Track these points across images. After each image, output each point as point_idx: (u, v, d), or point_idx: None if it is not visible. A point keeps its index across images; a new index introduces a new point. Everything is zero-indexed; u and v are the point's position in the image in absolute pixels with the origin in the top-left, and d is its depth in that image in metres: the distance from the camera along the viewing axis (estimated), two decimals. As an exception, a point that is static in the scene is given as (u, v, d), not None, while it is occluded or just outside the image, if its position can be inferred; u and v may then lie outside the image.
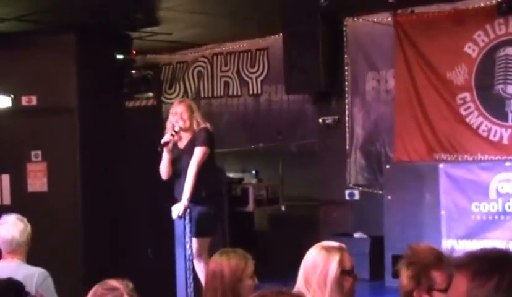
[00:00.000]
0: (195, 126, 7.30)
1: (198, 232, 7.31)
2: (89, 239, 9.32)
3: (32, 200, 9.07)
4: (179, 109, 7.30)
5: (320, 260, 3.66)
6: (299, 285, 3.69)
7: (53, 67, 9.34)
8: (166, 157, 7.38)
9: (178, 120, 7.27)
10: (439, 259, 3.50)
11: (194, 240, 7.34)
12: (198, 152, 7.24)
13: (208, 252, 7.17)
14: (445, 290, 3.32)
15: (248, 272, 4.08)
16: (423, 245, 3.68)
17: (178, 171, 7.47)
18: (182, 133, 7.40)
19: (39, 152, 9.37)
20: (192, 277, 7.24)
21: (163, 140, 7.28)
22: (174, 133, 7.28)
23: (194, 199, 7.23)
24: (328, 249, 3.69)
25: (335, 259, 3.64)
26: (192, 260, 7.40)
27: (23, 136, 9.32)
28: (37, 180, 9.40)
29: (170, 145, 7.36)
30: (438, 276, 3.41)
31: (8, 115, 9.37)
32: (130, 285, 3.63)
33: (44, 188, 9.36)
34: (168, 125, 7.37)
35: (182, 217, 7.20)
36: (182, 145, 7.36)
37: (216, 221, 7.76)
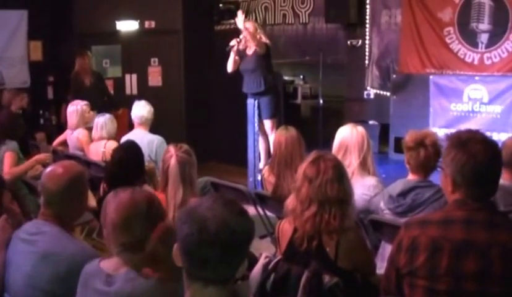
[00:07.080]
0: (258, 38, 7.92)
1: (269, 115, 8.11)
2: (188, 118, 10.66)
3: (151, 91, 10.05)
4: (247, 25, 8.00)
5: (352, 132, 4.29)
6: (334, 149, 4.20)
7: (165, 1, 10.39)
8: (231, 56, 8.02)
9: (244, 32, 7.91)
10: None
11: (267, 121, 8.10)
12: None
13: (276, 129, 7.01)
14: None
15: (301, 145, 4.77)
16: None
17: (244, 71, 8.08)
18: (248, 44, 7.92)
19: (156, 59, 10.58)
20: (257, 145, 8.08)
21: (230, 43, 8.00)
22: (238, 40, 7.92)
23: (262, 91, 7.95)
24: (355, 126, 4.38)
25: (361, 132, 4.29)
26: (260, 136, 8.01)
27: (146, 48, 10.39)
28: (155, 78, 10.59)
29: (235, 48, 7.95)
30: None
31: (136, 34, 10.43)
32: (184, 147, 3.76)
33: (159, 83, 10.63)
34: (241, 36, 7.98)
35: (253, 102, 7.76)
36: (249, 52, 8.10)
37: (279, 107, 8.35)
